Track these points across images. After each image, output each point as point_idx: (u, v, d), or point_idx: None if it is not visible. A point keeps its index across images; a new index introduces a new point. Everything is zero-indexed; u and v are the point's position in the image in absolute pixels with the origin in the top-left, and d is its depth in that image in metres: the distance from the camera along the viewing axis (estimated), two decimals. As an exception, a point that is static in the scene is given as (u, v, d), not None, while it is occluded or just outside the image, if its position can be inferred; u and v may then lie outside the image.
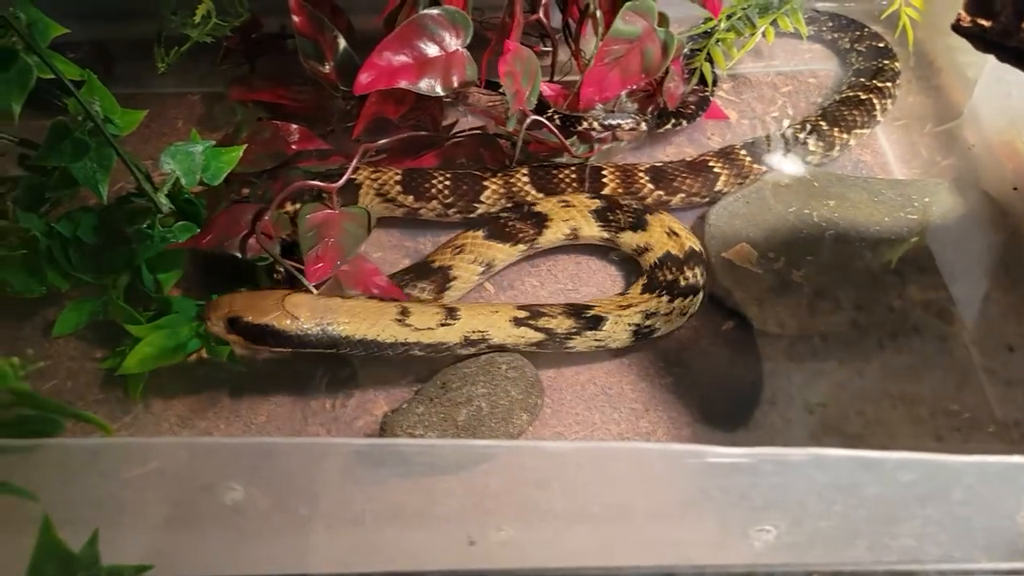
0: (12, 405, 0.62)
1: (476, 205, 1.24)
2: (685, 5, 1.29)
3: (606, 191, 1.24)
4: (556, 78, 1.36)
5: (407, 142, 1.28)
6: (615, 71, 1.27)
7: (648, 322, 1.07)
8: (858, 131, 1.31)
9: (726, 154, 1.27)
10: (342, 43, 1.27)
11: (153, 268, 1.10)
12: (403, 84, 1.15)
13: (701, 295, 1.12)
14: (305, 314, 0.98)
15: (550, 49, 1.35)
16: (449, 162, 1.30)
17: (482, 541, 0.69)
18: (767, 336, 1.08)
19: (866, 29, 1.47)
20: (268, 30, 1.49)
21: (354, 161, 1.16)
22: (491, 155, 1.29)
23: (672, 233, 1.17)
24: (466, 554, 0.70)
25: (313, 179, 1.17)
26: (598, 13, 1.25)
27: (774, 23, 1.35)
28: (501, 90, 1.36)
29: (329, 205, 1.11)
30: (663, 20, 1.25)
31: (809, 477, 0.70)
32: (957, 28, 0.98)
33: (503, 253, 1.18)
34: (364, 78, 1.13)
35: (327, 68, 1.28)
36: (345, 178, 1.14)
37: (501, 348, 1.05)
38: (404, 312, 1.03)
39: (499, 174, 1.25)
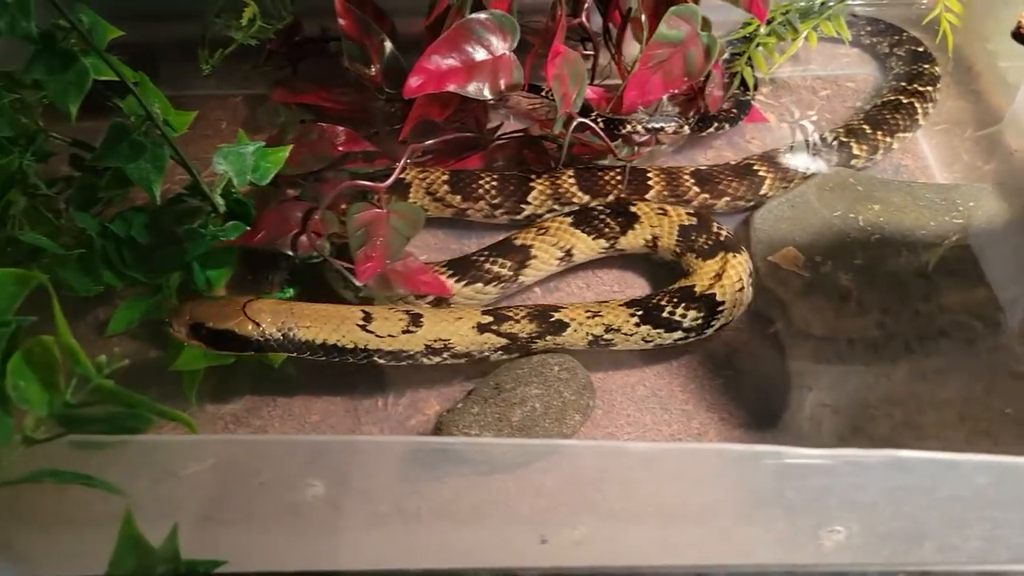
0: (101, 402, 0.63)
1: (523, 206, 1.25)
2: (724, 9, 1.29)
3: (651, 194, 1.25)
4: (597, 81, 1.37)
5: (451, 143, 1.29)
6: (658, 75, 1.27)
7: (607, 336, 1.06)
8: (901, 134, 1.31)
9: (770, 158, 1.28)
10: (388, 46, 1.28)
11: (205, 266, 1.11)
12: (451, 88, 1.16)
13: (679, 335, 1.07)
14: (267, 319, 0.99)
15: (591, 53, 1.36)
16: (492, 164, 1.31)
17: (555, 539, 0.70)
18: (816, 340, 1.08)
19: (904, 33, 1.47)
20: (308, 33, 1.50)
21: (402, 161, 1.17)
22: (535, 157, 1.30)
23: (722, 277, 1.11)
24: (539, 552, 0.70)
25: (361, 180, 1.18)
26: (643, 17, 1.26)
27: (816, 27, 1.35)
28: (544, 93, 1.38)
29: (377, 205, 1.12)
30: (706, 24, 1.26)
31: (885, 478, 0.70)
32: (1017, 36, 0.99)
33: (584, 244, 1.18)
34: (414, 82, 1.14)
35: (373, 71, 1.29)
36: (393, 178, 1.15)
37: (467, 356, 1.04)
38: (367, 318, 1.02)
39: (545, 176, 1.26)
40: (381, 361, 1.03)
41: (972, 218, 1.19)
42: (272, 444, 0.96)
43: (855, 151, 1.29)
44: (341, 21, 1.28)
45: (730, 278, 1.10)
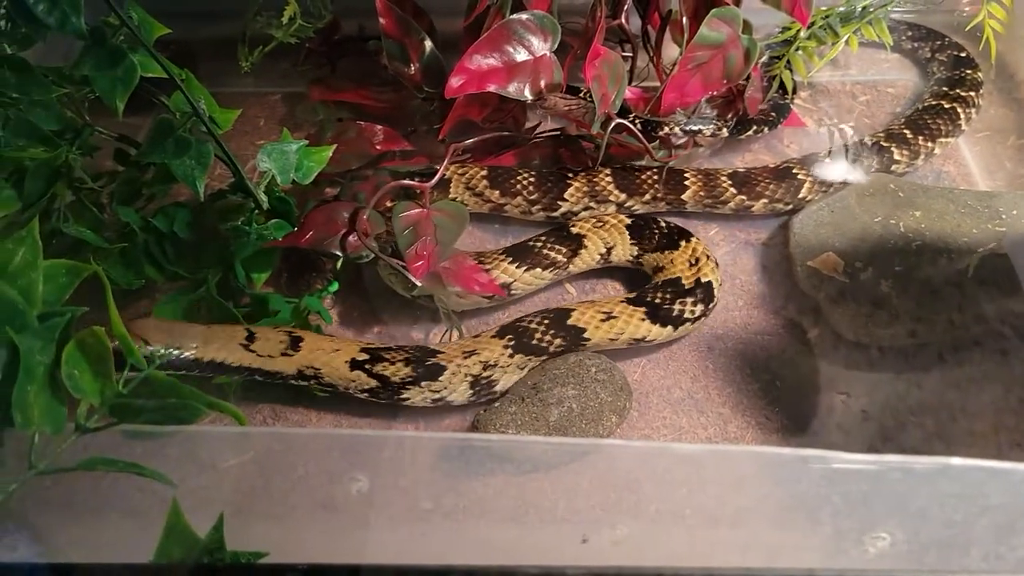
0: (152, 393, 0.63)
1: (560, 203, 1.25)
2: (762, 13, 1.29)
3: (687, 194, 1.25)
4: (634, 83, 1.37)
5: (488, 141, 1.29)
6: (697, 77, 1.27)
7: (486, 373, 1.03)
8: (943, 140, 1.30)
9: (810, 161, 1.27)
10: (428, 45, 1.29)
11: (247, 264, 1.12)
12: (492, 88, 1.16)
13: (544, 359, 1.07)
14: (154, 337, 0.98)
15: (630, 55, 1.36)
16: (526, 162, 1.31)
17: (595, 539, 0.70)
18: (853, 346, 1.07)
19: (946, 39, 1.46)
20: (346, 32, 1.52)
21: (446, 160, 1.18)
22: (571, 156, 1.31)
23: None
24: (580, 552, 0.70)
25: (403, 178, 1.19)
26: (683, 20, 1.25)
27: (857, 32, 1.34)
28: (581, 94, 1.38)
29: (421, 203, 1.13)
30: (747, 27, 1.26)
31: (932, 485, 0.70)
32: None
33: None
34: (455, 82, 1.14)
35: (412, 70, 1.30)
36: (438, 176, 1.16)
37: (333, 388, 1.03)
38: (250, 337, 1.02)
39: (583, 174, 1.26)
40: (260, 379, 1.03)
41: (1016, 226, 1.17)
42: (313, 438, 0.97)
43: (896, 156, 1.28)
44: (381, 20, 1.29)
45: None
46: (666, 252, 1.17)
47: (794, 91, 1.38)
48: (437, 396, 1.03)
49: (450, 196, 1.26)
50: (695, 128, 1.29)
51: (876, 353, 1.07)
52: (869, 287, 1.10)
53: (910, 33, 1.48)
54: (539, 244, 1.18)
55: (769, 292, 1.16)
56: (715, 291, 1.12)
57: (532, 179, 1.26)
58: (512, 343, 1.04)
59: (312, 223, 1.11)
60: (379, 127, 1.29)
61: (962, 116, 1.31)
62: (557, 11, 1.22)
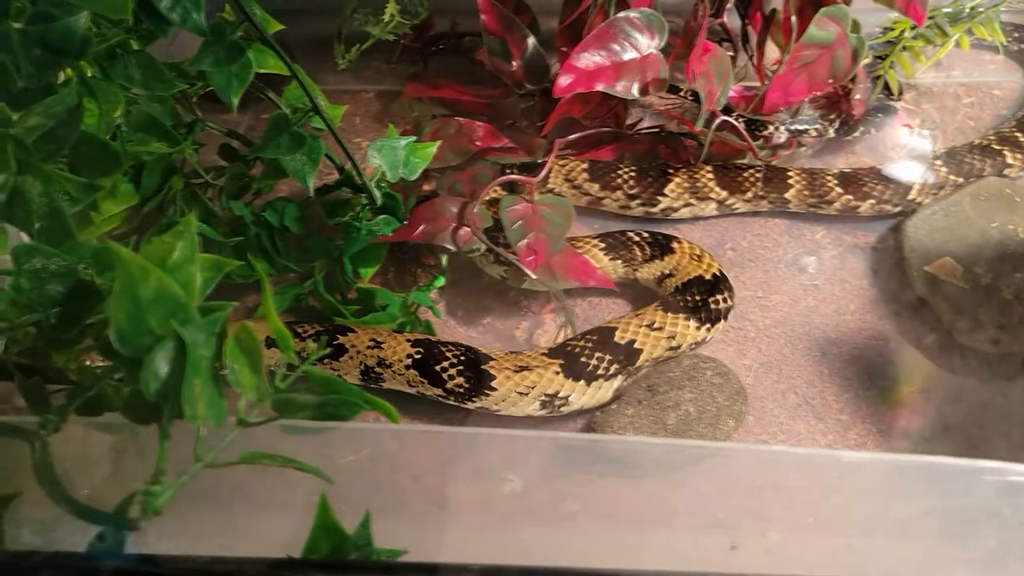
0: (308, 388, 0.64)
1: (660, 198, 1.24)
2: (864, 12, 1.26)
3: (791, 193, 1.23)
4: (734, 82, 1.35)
5: (588, 137, 1.28)
6: (802, 76, 1.25)
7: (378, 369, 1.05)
8: (1057, 144, 1.26)
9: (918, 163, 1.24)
10: (531, 42, 1.28)
11: (355, 259, 1.12)
12: (600, 87, 1.15)
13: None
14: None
15: (731, 54, 1.34)
16: (624, 158, 1.30)
17: (746, 546, 0.69)
18: (974, 352, 1.05)
19: (1054, 39, 1.42)
20: (438, 29, 1.52)
21: (552, 155, 1.18)
22: (670, 153, 1.29)
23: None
24: (729, 559, 0.69)
25: (507, 171, 1.19)
26: (792, 18, 1.23)
27: (968, 31, 1.31)
28: (681, 93, 1.36)
29: (526, 197, 1.13)
30: (855, 26, 1.23)
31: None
32: None
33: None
34: (563, 80, 1.14)
35: (514, 66, 1.30)
36: (545, 172, 1.16)
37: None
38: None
39: (684, 170, 1.25)
40: None
41: None
42: (426, 436, 0.97)
43: (1008, 159, 1.24)
44: (483, 16, 1.29)
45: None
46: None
47: (900, 92, 1.35)
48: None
49: (548, 186, 1.26)
50: (801, 128, 1.27)
51: (997, 361, 1.04)
52: (990, 294, 1.07)
53: (1017, 34, 1.44)
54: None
55: (882, 297, 1.13)
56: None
57: (632, 174, 1.25)
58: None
59: (421, 218, 1.11)
60: (479, 123, 1.28)
61: (1077, 119, 1.27)
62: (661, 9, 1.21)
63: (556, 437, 0.97)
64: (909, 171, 1.23)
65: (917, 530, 0.72)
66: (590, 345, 1.04)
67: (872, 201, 1.21)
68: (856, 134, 1.31)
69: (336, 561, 0.69)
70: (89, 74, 0.95)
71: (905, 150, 1.33)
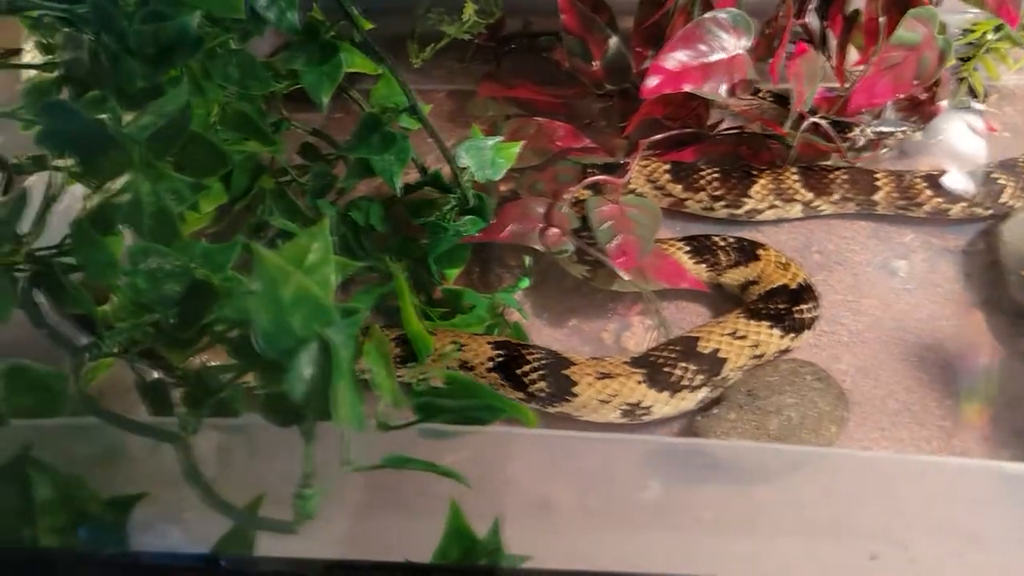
0: (448, 393, 0.63)
1: (744, 200, 1.22)
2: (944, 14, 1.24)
3: (879, 195, 1.21)
4: (811, 83, 1.33)
5: (670, 138, 1.27)
6: (887, 78, 1.24)
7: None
8: None
9: (1010, 166, 1.22)
10: (614, 42, 1.27)
11: (440, 260, 1.12)
12: (688, 88, 1.14)
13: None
14: None
15: (812, 54, 1.32)
16: (705, 159, 1.29)
17: (887, 557, 0.68)
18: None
19: None
20: (510, 28, 1.51)
21: (637, 155, 1.17)
22: (752, 154, 1.28)
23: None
24: (868, 569, 0.68)
25: (590, 171, 1.18)
26: (881, 19, 1.21)
27: (1061, 32, 1.28)
28: (760, 93, 1.35)
29: (612, 199, 1.12)
30: (942, 28, 1.22)
31: None
32: None
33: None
34: (651, 82, 1.13)
35: (594, 67, 1.28)
36: (630, 174, 1.15)
37: None
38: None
39: (768, 171, 1.23)
40: None
41: None
42: (526, 438, 0.96)
43: (1104, 164, 1.22)
44: (563, 16, 1.28)
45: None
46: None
47: (985, 95, 1.33)
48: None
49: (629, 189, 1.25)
50: (888, 130, 1.25)
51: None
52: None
53: (1103, 35, 1.41)
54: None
55: (977, 302, 1.12)
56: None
57: (716, 175, 1.23)
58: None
59: (508, 218, 1.10)
60: (559, 123, 1.27)
61: None
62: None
63: (656, 441, 0.96)
64: (1001, 173, 1.20)
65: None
66: (673, 355, 1.02)
67: (964, 204, 1.19)
68: (940, 137, 1.29)
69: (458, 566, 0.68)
70: (185, 73, 0.95)
71: (989, 153, 1.31)
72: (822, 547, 0.73)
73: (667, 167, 1.25)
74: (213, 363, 0.78)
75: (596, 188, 1.16)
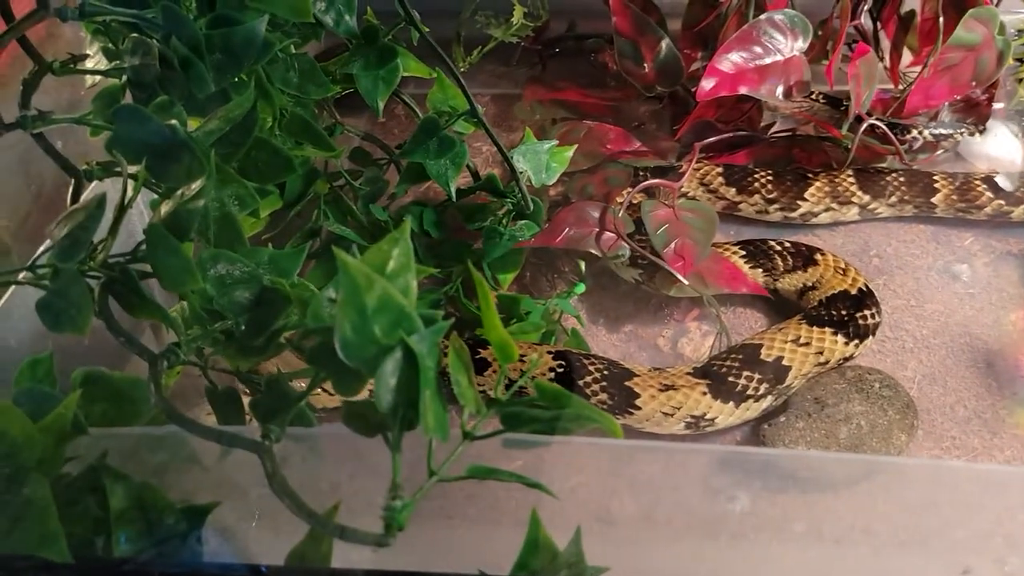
0: (532, 401, 0.62)
1: (799, 203, 1.20)
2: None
3: (937, 198, 1.19)
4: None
5: (721, 141, 1.26)
6: (944, 79, 1.22)
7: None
8: None
9: (1073, 168, 1.20)
10: (665, 44, 1.26)
11: (494, 265, 1.10)
12: (744, 90, 1.13)
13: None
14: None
15: (865, 55, 1.30)
16: (758, 161, 1.27)
17: (981, 571, 0.66)
18: None
19: None
20: (554, 31, 1.50)
21: (692, 158, 1.15)
22: (806, 157, 1.26)
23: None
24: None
25: (643, 173, 1.17)
26: (940, 20, 1.19)
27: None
28: (813, 95, 1.33)
29: (667, 203, 1.10)
30: (1002, 28, 1.20)
31: None
32: None
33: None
34: (707, 84, 1.12)
35: (645, 69, 1.27)
36: (685, 179, 1.13)
37: None
38: None
39: (823, 174, 1.21)
40: None
41: None
42: (576, 447, 0.94)
43: None
44: (615, 18, 1.27)
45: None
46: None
47: (1044, 95, 1.31)
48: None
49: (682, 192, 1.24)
50: (946, 132, 1.23)
51: None
52: None
53: None
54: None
55: (1044, 306, 1.09)
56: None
57: (771, 177, 1.22)
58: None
59: (563, 222, 1.09)
60: (609, 126, 1.26)
61: None
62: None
63: (723, 451, 0.94)
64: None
65: None
66: (736, 364, 1.00)
67: (1025, 206, 1.17)
68: (997, 138, 1.27)
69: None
70: (243, 78, 0.95)
71: (1048, 155, 1.28)
72: (913, 559, 0.71)
73: (719, 170, 1.23)
74: (281, 371, 0.77)
75: (650, 192, 1.15)
